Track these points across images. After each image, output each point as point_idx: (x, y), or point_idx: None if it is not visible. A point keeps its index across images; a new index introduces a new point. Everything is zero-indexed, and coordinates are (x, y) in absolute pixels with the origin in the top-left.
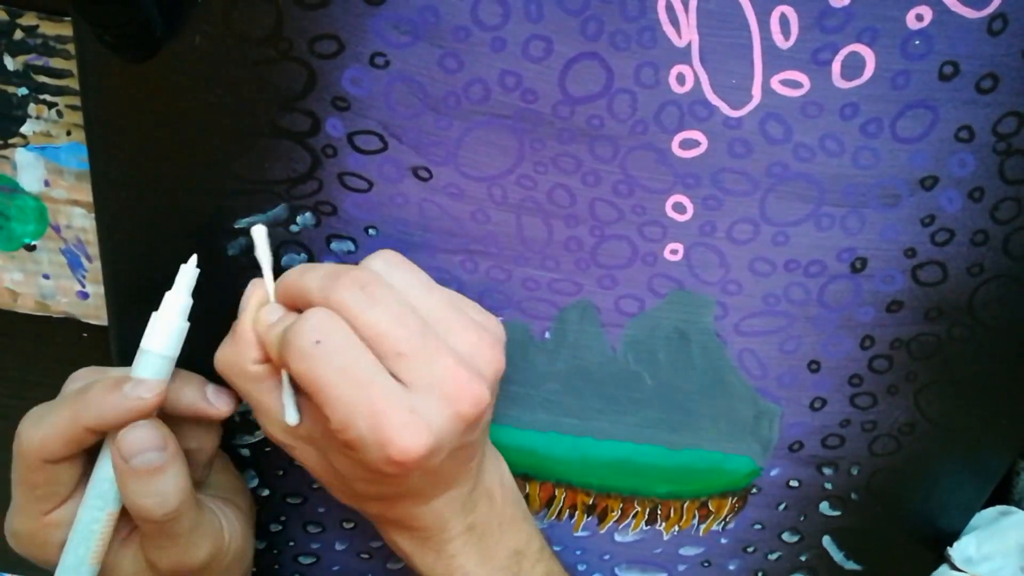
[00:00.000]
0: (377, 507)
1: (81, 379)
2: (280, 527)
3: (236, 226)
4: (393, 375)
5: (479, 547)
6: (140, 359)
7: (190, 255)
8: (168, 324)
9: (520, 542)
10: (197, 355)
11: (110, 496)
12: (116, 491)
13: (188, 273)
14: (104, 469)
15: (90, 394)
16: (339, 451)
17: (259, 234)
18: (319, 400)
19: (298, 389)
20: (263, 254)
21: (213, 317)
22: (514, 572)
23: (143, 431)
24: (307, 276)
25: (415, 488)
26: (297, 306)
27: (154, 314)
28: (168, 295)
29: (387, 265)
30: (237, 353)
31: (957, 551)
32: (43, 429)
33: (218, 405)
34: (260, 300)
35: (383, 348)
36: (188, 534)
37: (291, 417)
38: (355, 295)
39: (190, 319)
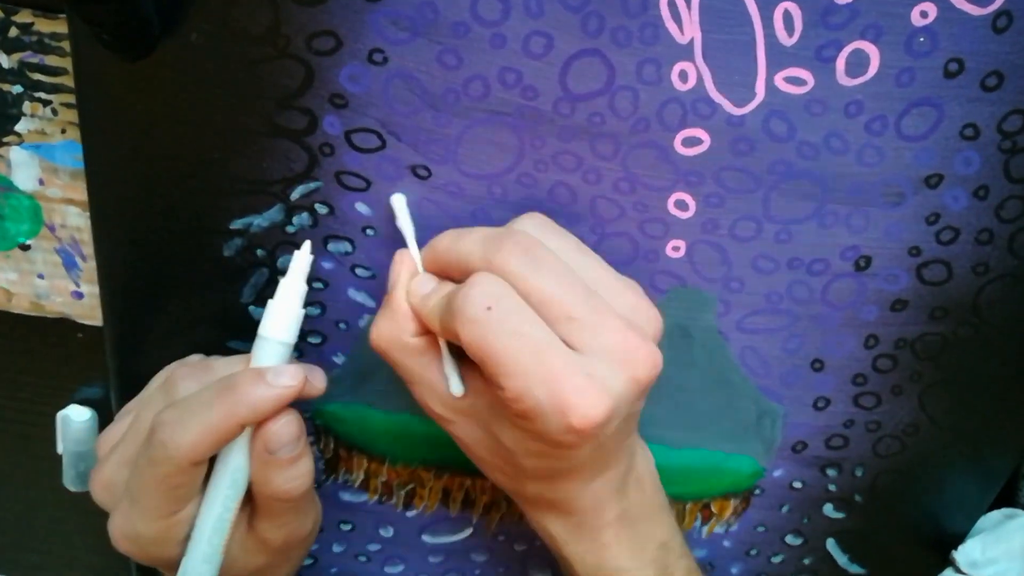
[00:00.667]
0: (538, 487)
1: (187, 376)
2: None
3: (231, 227)
4: (563, 340)
5: (631, 536)
6: (261, 346)
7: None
8: (288, 311)
9: (666, 535)
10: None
11: (241, 485)
12: (245, 479)
13: (302, 259)
14: (236, 459)
15: (240, 389)
16: (509, 423)
17: (399, 203)
18: (491, 368)
19: (460, 359)
20: (405, 223)
21: (212, 317)
22: (662, 566)
23: (287, 424)
24: (463, 242)
25: (581, 463)
26: (450, 275)
27: (271, 301)
28: (284, 281)
29: (539, 228)
30: (394, 327)
31: (962, 554)
32: (193, 432)
33: (286, 382)
34: (410, 271)
35: (552, 313)
36: (306, 505)
37: (456, 387)
38: (520, 259)
39: (177, 313)
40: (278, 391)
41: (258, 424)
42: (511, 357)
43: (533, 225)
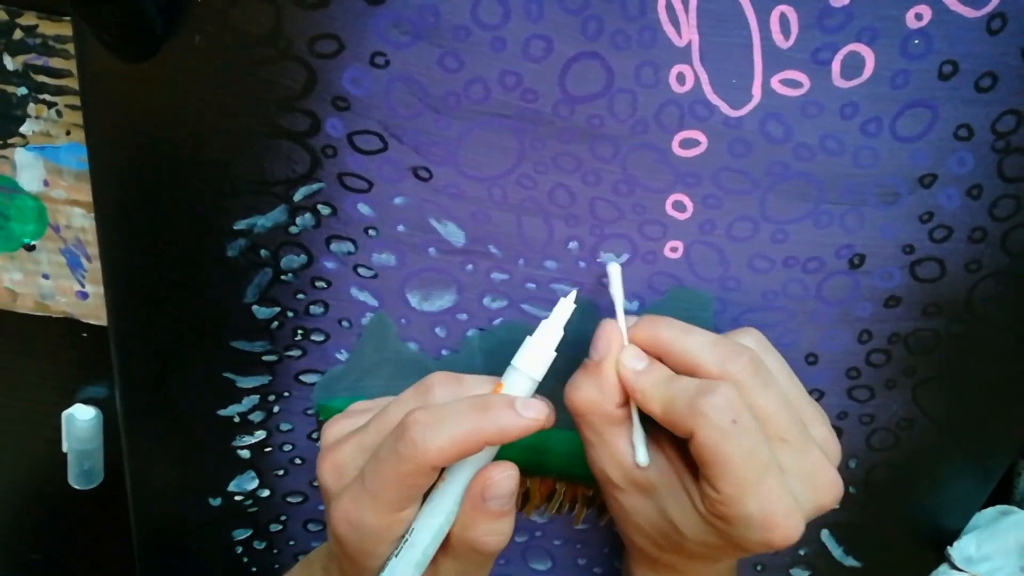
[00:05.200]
0: (676, 559)
1: (443, 383)
2: (280, 526)
3: (235, 227)
4: None
5: None
6: (513, 376)
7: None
8: (543, 351)
9: None
10: (195, 349)
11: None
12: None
13: (566, 307)
14: (467, 476)
15: (493, 410)
16: (690, 508)
17: (614, 272)
18: (715, 472)
19: (649, 431)
20: (617, 292)
21: (216, 317)
22: None
23: (509, 478)
24: (691, 341)
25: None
26: (663, 359)
27: (530, 338)
28: (545, 323)
29: (759, 345)
30: (599, 395)
31: (957, 550)
32: (443, 437)
33: (534, 415)
34: (619, 343)
35: (769, 431)
36: (489, 563)
37: (642, 458)
38: (753, 377)
39: (182, 313)
40: (525, 422)
41: (480, 474)
42: (739, 469)
43: (754, 341)
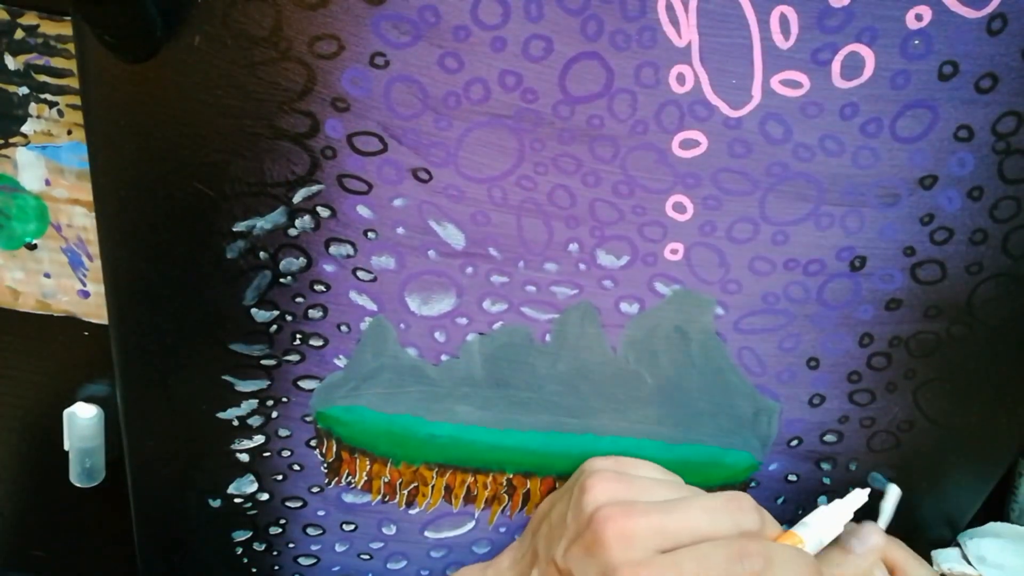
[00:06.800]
0: None
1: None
2: (280, 529)
3: (234, 228)
4: None
5: None
6: (806, 534)
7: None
8: (830, 530)
9: None
10: (195, 350)
11: None
12: None
13: (859, 498)
14: None
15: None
16: None
17: (893, 494)
18: None
19: None
20: (888, 509)
21: (215, 318)
22: None
23: None
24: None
25: None
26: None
27: (825, 508)
28: (839, 504)
29: None
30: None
31: (974, 545)
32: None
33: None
34: (879, 552)
35: None
36: None
37: None
38: None
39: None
40: None
41: None
42: None
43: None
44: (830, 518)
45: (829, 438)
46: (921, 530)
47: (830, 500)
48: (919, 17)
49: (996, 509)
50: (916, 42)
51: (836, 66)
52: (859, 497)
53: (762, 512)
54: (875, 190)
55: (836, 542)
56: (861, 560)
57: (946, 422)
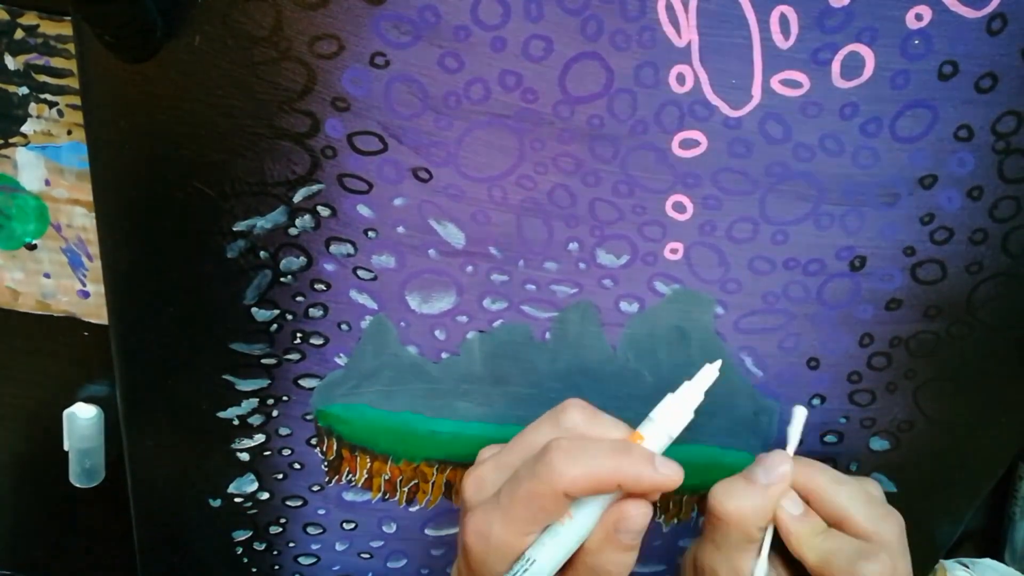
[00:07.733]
0: None
1: (578, 407)
2: (280, 529)
3: (235, 228)
4: None
5: None
6: (652, 430)
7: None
8: (683, 411)
9: None
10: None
11: (583, 540)
12: (587, 537)
13: (710, 373)
14: (594, 516)
15: (633, 458)
16: None
17: (800, 415)
18: None
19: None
20: (795, 434)
21: (215, 318)
22: None
23: (643, 516)
24: (844, 492)
25: None
26: (812, 503)
27: (671, 396)
28: (688, 384)
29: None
30: (753, 515)
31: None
32: (580, 467)
33: (669, 473)
34: (789, 481)
35: None
36: None
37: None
38: (901, 542)
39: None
40: (660, 478)
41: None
42: None
43: (878, 491)
44: (676, 407)
45: (829, 438)
46: (921, 530)
47: None
48: (919, 17)
49: (996, 510)
50: (916, 42)
51: (836, 66)
52: (708, 374)
53: (593, 415)
54: (875, 190)
55: (741, 473)
56: (771, 494)
57: (946, 421)
